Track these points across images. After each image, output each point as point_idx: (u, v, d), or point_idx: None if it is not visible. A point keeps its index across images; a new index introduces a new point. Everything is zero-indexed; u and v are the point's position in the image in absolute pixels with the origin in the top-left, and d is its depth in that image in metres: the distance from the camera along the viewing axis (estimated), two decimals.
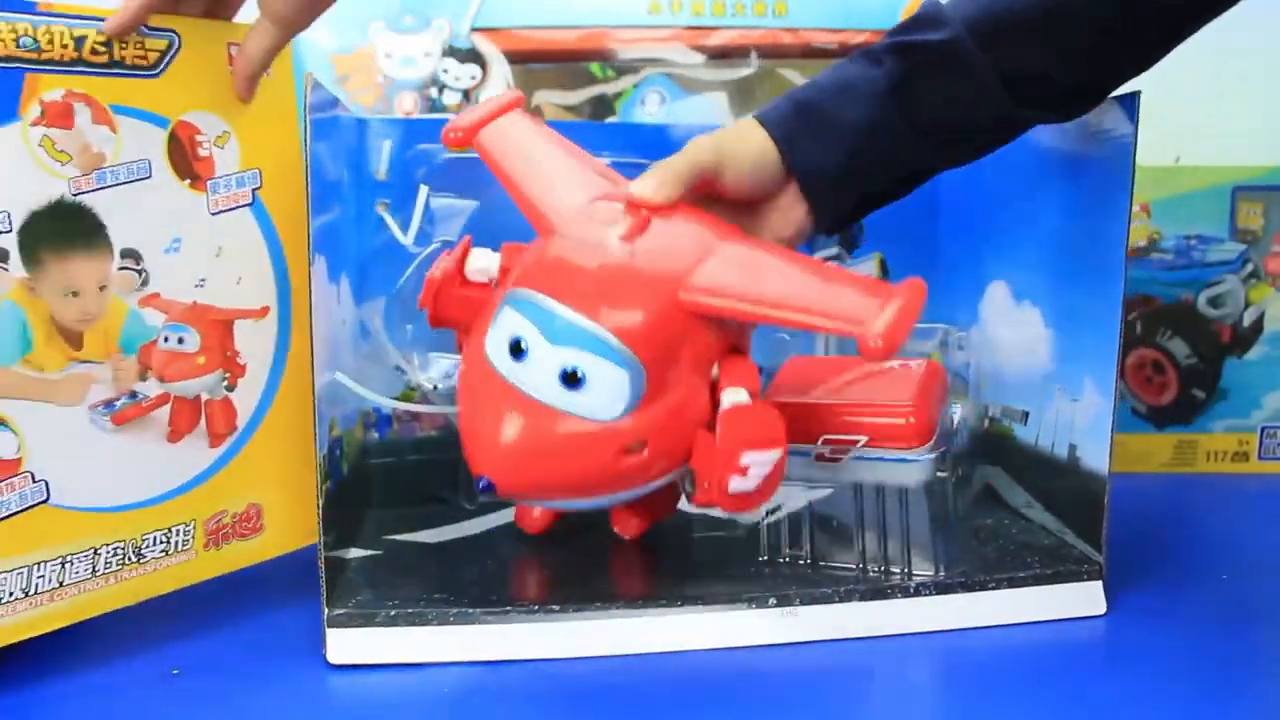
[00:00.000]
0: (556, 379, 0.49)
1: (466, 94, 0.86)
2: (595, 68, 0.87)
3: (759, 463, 0.50)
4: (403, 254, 0.71)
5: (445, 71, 0.86)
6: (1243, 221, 0.83)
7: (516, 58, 0.86)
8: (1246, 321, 0.84)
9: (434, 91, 0.86)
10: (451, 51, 0.86)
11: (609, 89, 0.88)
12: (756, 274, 0.52)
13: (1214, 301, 0.84)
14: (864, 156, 0.55)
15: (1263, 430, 0.85)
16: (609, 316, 0.50)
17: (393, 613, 0.52)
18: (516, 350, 0.50)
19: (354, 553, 0.62)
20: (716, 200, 0.56)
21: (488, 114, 0.61)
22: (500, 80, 0.86)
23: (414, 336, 0.71)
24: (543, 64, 0.87)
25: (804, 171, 0.56)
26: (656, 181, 0.53)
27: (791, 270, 0.53)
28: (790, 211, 0.57)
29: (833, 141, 0.55)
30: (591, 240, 0.53)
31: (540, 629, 0.52)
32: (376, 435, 0.72)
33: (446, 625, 0.52)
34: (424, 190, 0.70)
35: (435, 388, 0.71)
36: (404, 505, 0.70)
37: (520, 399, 0.50)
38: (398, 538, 0.65)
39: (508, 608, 0.53)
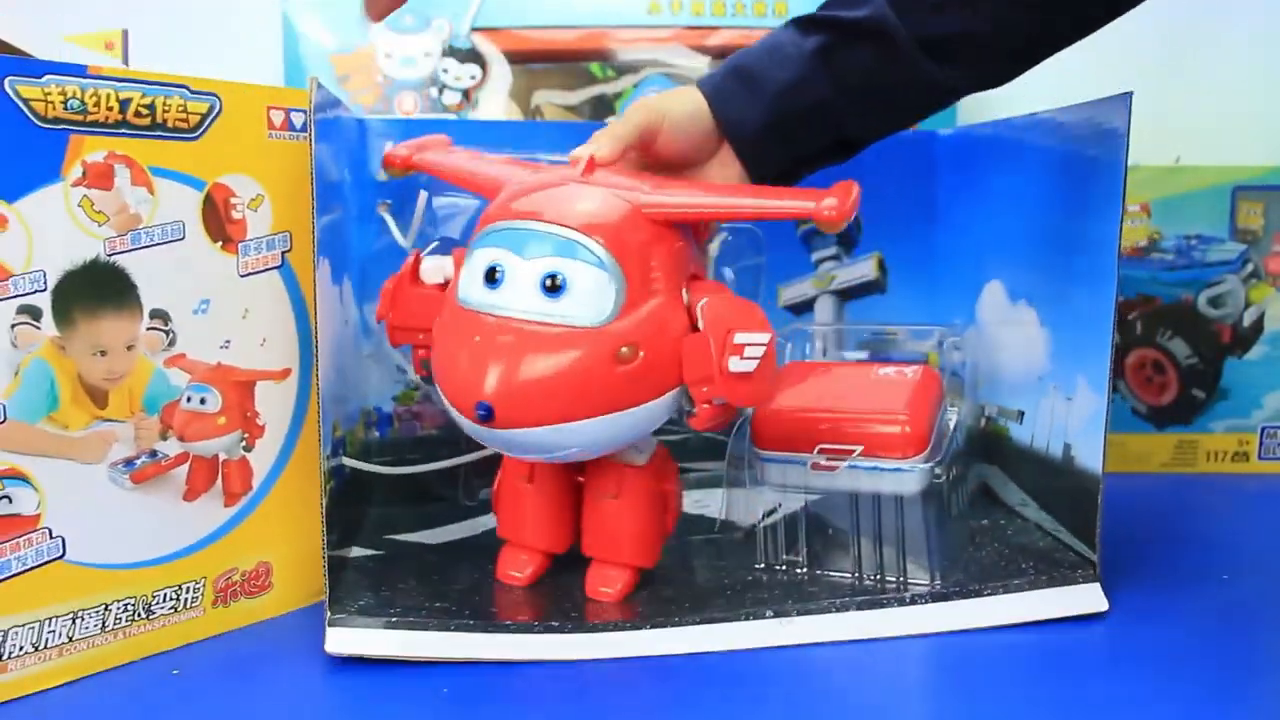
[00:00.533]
0: (538, 290, 0.50)
1: (466, 94, 0.87)
2: (595, 68, 0.88)
3: (753, 343, 0.50)
4: (400, 257, 0.71)
5: (445, 71, 0.86)
6: (1243, 221, 0.83)
7: (516, 58, 0.87)
8: (1247, 321, 0.84)
9: (434, 91, 0.86)
10: (451, 51, 0.86)
11: (609, 89, 0.88)
12: (706, 189, 0.58)
13: (1214, 301, 0.84)
14: (789, 114, 0.58)
15: (1263, 430, 0.85)
16: (580, 224, 0.51)
17: (394, 619, 0.53)
18: (491, 278, 0.51)
19: (355, 552, 0.62)
20: (658, 162, 0.59)
21: (422, 143, 0.64)
22: (500, 80, 0.87)
23: None
24: (543, 64, 0.87)
25: (730, 126, 0.59)
26: (598, 142, 0.56)
27: (735, 187, 0.59)
28: (728, 169, 0.60)
29: (759, 99, 0.58)
30: (550, 176, 0.55)
31: (537, 641, 0.52)
32: (378, 434, 0.72)
33: (446, 632, 0.52)
34: (423, 196, 0.71)
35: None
36: (405, 504, 0.70)
37: (504, 321, 0.50)
38: (398, 537, 0.65)
39: (507, 621, 0.53)
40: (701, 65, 0.89)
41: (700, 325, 0.51)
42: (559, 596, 0.57)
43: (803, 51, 0.57)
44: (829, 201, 0.52)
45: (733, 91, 0.58)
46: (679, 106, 0.58)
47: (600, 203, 0.52)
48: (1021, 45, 0.58)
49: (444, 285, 0.56)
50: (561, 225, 0.51)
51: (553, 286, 0.50)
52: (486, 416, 0.48)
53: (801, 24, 0.59)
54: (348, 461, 0.68)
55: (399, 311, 0.56)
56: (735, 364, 0.50)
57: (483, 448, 0.70)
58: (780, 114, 0.58)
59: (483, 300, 0.51)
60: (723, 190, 0.58)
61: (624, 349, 0.50)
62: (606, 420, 0.50)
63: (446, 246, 0.71)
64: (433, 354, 0.54)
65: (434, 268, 0.56)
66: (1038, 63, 0.59)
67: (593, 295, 0.50)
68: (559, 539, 0.59)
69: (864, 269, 0.78)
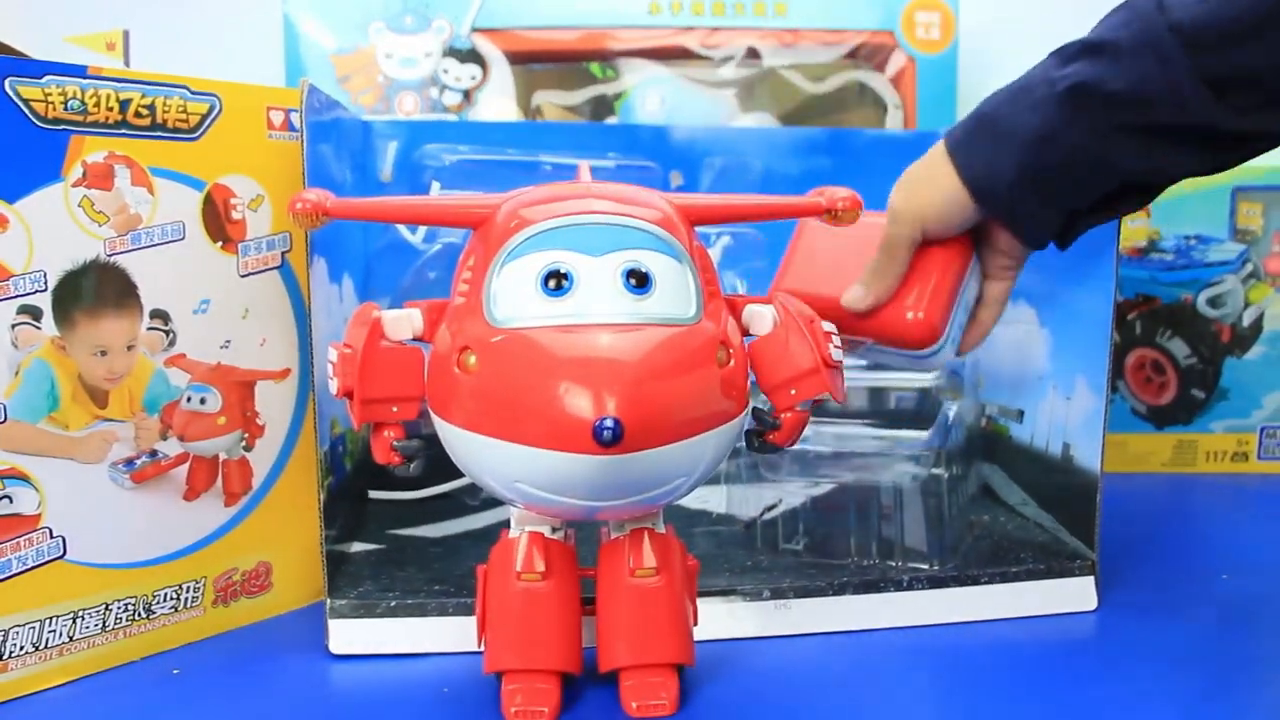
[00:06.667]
0: (621, 288, 0.43)
1: (467, 94, 0.87)
2: (595, 68, 0.88)
3: (834, 330, 0.47)
4: (407, 254, 0.71)
5: (445, 72, 0.86)
6: (1242, 222, 0.84)
7: (516, 58, 0.87)
8: (1246, 321, 0.84)
9: (434, 91, 0.86)
10: (451, 51, 0.86)
11: (609, 89, 0.88)
12: (723, 196, 0.55)
13: (1213, 301, 0.84)
14: (1046, 165, 0.50)
15: (1262, 430, 0.85)
16: (643, 214, 0.45)
17: (393, 603, 0.53)
18: (556, 283, 0.43)
19: (356, 547, 0.63)
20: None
21: (326, 194, 0.48)
22: (500, 80, 0.87)
23: None
24: (543, 64, 0.87)
25: (978, 185, 0.52)
26: (864, 291, 0.54)
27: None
28: (997, 240, 0.55)
29: (1004, 153, 0.50)
30: (564, 184, 0.50)
31: None
32: None
33: (446, 616, 0.53)
34: (435, 186, 0.71)
35: None
36: (407, 501, 0.70)
37: (592, 328, 0.42)
38: (400, 532, 0.65)
39: None
40: (701, 66, 0.89)
41: (777, 321, 0.47)
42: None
43: (1054, 90, 0.49)
44: (836, 193, 0.49)
45: (977, 145, 0.51)
46: (939, 197, 0.52)
47: (648, 194, 0.48)
48: None
49: (413, 342, 0.47)
50: (626, 216, 0.45)
51: (639, 281, 0.43)
52: (615, 438, 0.39)
53: (1061, 54, 0.50)
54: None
55: (370, 382, 0.44)
56: (835, 352, 0.46)
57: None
58: (1034, 166, 0.50)
59: (548, 313, 0.42)
60: (741, 197, 0.55)
61: (719, 349, 0.44)
62: (714, 438, 0.44)
63: (448, 250, 0.71)
64: (448, 411, 0.44)
65: (402, 319, 0.47)
66: None
67: (679, 289, 0.44)
68: (577, 653, 0.47)
69: None
